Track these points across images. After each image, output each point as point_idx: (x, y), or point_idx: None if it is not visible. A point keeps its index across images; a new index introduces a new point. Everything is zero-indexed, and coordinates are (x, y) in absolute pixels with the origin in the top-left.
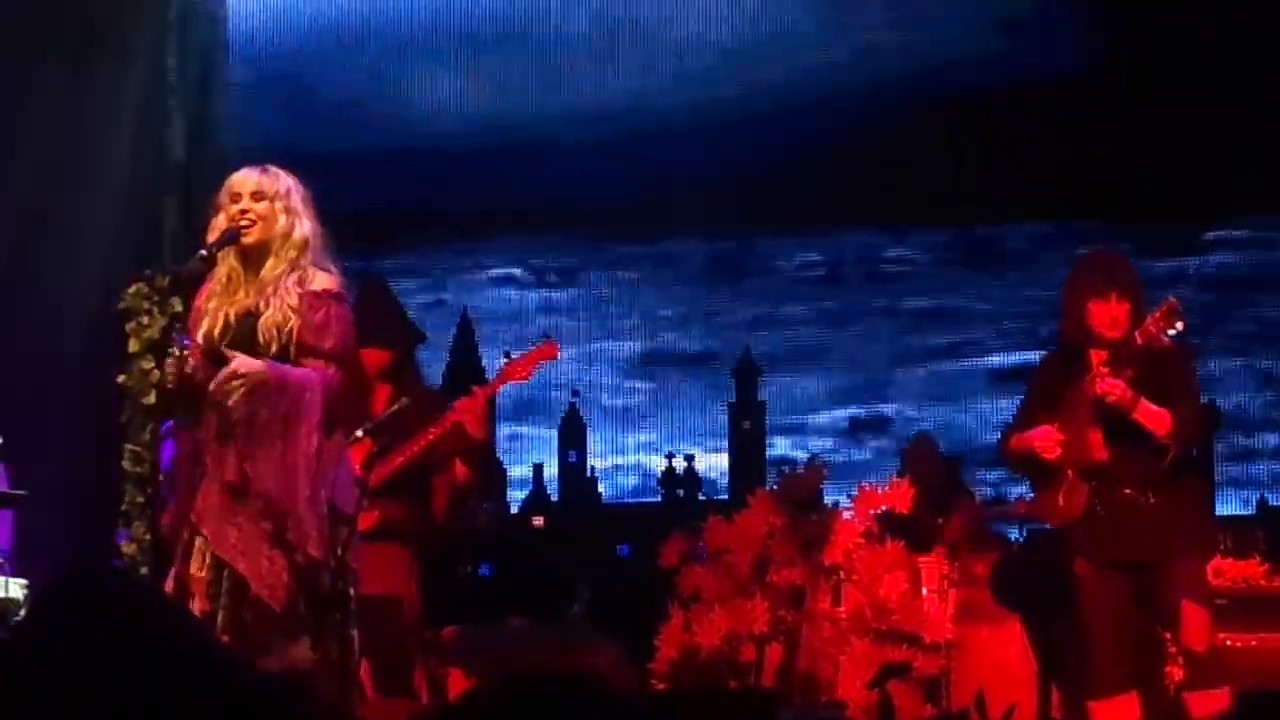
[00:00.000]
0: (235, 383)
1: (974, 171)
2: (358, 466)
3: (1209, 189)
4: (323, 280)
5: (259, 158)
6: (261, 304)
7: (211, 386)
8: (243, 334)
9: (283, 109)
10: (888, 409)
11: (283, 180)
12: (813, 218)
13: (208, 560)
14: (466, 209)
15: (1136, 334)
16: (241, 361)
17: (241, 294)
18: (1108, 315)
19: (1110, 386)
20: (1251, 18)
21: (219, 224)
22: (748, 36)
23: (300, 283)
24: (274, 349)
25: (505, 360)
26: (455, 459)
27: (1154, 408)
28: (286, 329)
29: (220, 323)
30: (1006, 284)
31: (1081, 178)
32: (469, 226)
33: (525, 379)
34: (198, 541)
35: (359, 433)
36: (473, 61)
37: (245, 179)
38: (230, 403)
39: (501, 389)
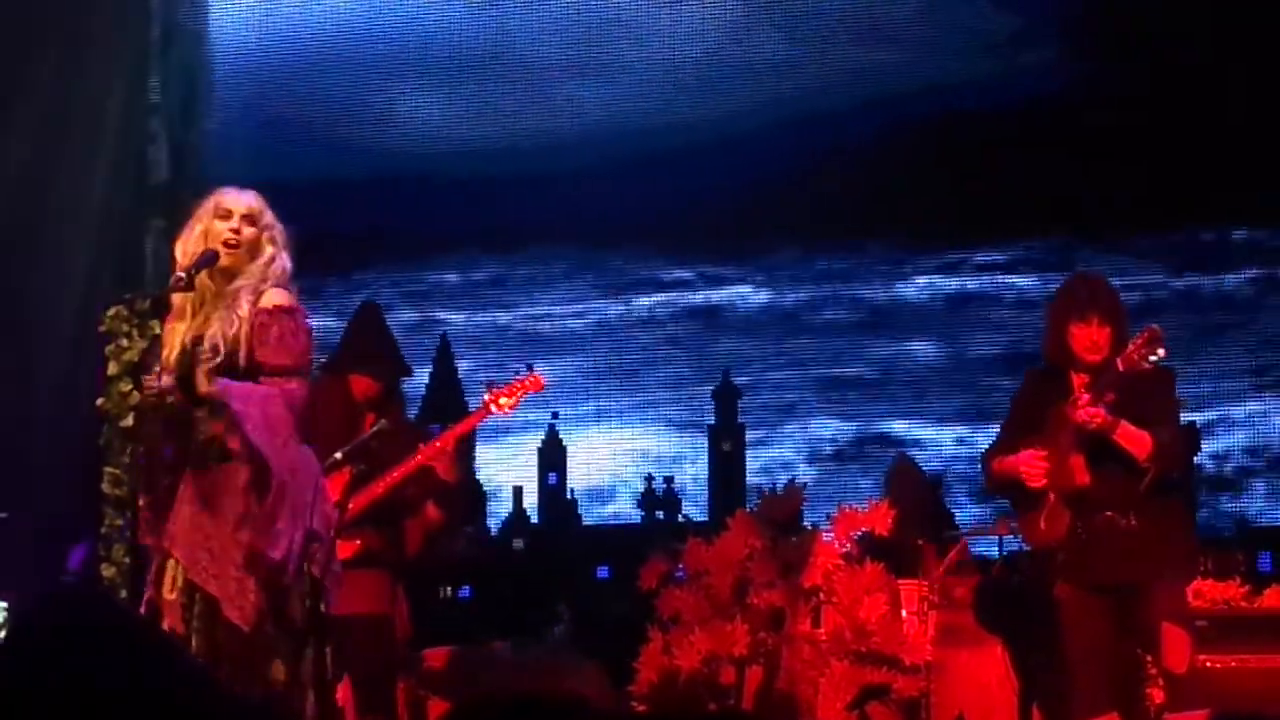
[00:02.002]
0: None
1: (955, 193)
2: (337, 493)
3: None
4: (273, 296)
5: (242, 179)
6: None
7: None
8: (197, 356)
9: (267, 130)
10: (876, 429)
11: (269, 211)
12: (793, 242)
13: (179, 583)
14: (447, 232)
15: (1118, 360)
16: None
17: (201, 317)
18: (1089, 338)
19: (1089, 415)
20: (1237, 37)
21: (194, 236)
22: (723, 61)
23: (254, 296)
24: (219, 357)
25: (488, 391)
26: (427, 500)
27: (1135, 430)
28: (231, 334)
29: (178, 348)
30: (997, 306)
31: (1062, 198)
32: (449, 250)
33: (508, 412)
34: (169, 564)
35: (338, 455)
36: (455, 85)
37: (239, 199)
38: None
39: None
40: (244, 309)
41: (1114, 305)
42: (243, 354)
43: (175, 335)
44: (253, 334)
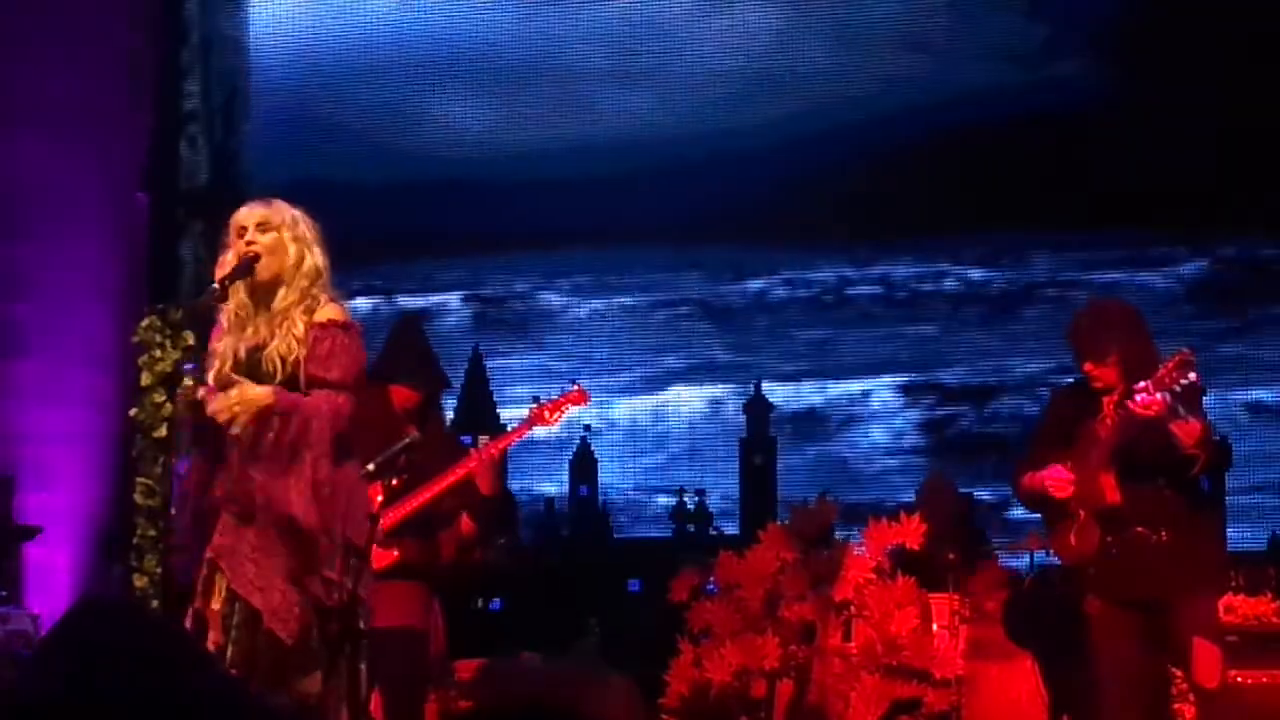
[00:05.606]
0: (237, 408)
1: (984, 201)
2: (376, 504)
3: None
4: (329, 311)
5: (281, 185)
6: (269, 335)
7: (211, 407)
8: (251, 368)
9: (307, 135)
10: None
11: (287, 211)
12: (827, 248)
13: (223, 594)
14: (487, 237)
15: (1150, 384)
16: (246, 386)
17: (251, 330)
18: (1101, 377)
19: (1148, 402)
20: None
21: (228, 261)
22: (763, 69)
23: (308, 312)
24: (279, 379)
25: (534, 405)
26: (462, 512)
27: (1182, 419)
28: (290, 359)
29: (230, 360)
30: (1020, 312)
31: (1091, 202)
32: (488, 254)
33: (552, 425)
34: (216, 577)
35: (370, 467)
36: (491, 92)
37: (249, 213)
38: (233, 429)
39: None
40: (300, 329)
41: (1124, 335)
42: (303, 377)
43: (226, 349)
44: (305, 346)
